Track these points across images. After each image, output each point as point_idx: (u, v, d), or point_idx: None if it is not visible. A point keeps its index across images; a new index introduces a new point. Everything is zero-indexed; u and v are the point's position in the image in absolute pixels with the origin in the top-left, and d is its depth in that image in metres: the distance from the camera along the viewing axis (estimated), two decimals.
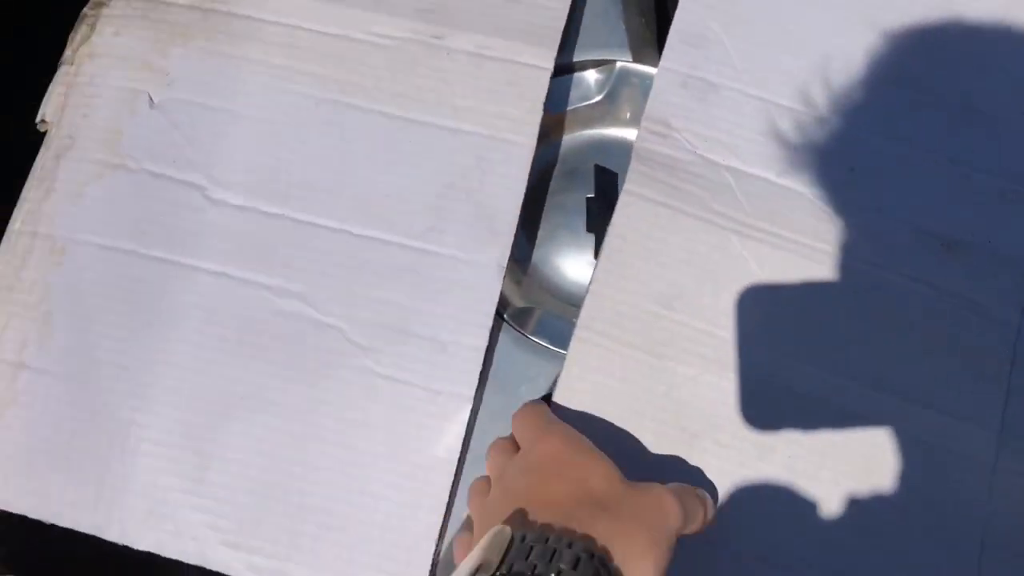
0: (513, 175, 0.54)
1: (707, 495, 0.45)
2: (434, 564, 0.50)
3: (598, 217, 0.59)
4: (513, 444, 0.47)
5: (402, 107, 0.56)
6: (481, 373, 0.52)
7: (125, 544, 0.50)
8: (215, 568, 0.50)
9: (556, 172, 0.60)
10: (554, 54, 0.56)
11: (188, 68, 0.57)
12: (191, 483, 0.51)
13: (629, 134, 0.60)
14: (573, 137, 0.60)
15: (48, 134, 0.56)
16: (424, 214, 0.54)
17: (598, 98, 0.60)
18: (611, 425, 0.50)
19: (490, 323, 0.52)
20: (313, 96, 0.56)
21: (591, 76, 0.60)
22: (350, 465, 0.51)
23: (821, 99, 0.54)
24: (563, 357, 0.54)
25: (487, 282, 0.53)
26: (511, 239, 0.53)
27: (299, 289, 0.53)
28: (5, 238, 0.55)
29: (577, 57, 0.60)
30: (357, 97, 0.56)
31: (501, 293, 0.53)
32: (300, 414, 0.51)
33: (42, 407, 0.52)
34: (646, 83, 0.59)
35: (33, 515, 0.51)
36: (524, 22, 0.57)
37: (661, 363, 0.50)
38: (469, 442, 0.52)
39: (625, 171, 0.59)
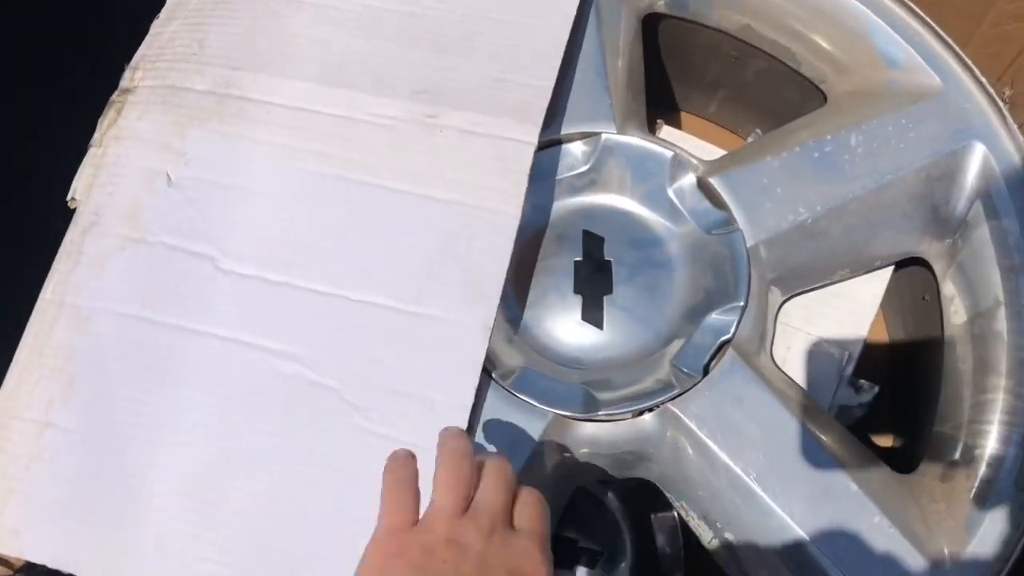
0: (499, 243, 0.58)
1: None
2: None
3: (585, 280, 0.62)
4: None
5: (398, 180, 0.60)
6: (468, 430, 0.55)
7: None
8: None
9: (546, 237, 0.63)
10: (538, 129, 0.60)
11: (203, 148, 0.62)
12: (198, 530, 0.54)
13: (615, 201, 0.64)
14: (562, 204, 0.64)
15: (77, 211, 0.62)
16: (416, 279, 0.58)
17: (584, 168, 0.63)
18: None
19: (476, 382, 0.55)
20: (317, 172, 0.61)
21: (578, 148, 0.64)
22: (342, 517, 0.54)
23: None
24: (548, 414, 0.56)
25: (474, 343, 0.56)
26: (496, 302, 0.57)
27: (299, 352, 0.57)
28: (37, 306, 0.60)
29: (565, 130, 0.64)
30: (358, 172, 0.60)
31: (491, 352, 0.57)
32: (297, 468, 0.55)
33: (64, 462, 0.57)
34: (630, 153, 0.63)
35: (53, 565, 0.55)
36: (511, 100, 0.61)
37: None
38: None
39: (611, 236, 0.63)
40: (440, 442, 0.47)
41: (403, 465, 0.47)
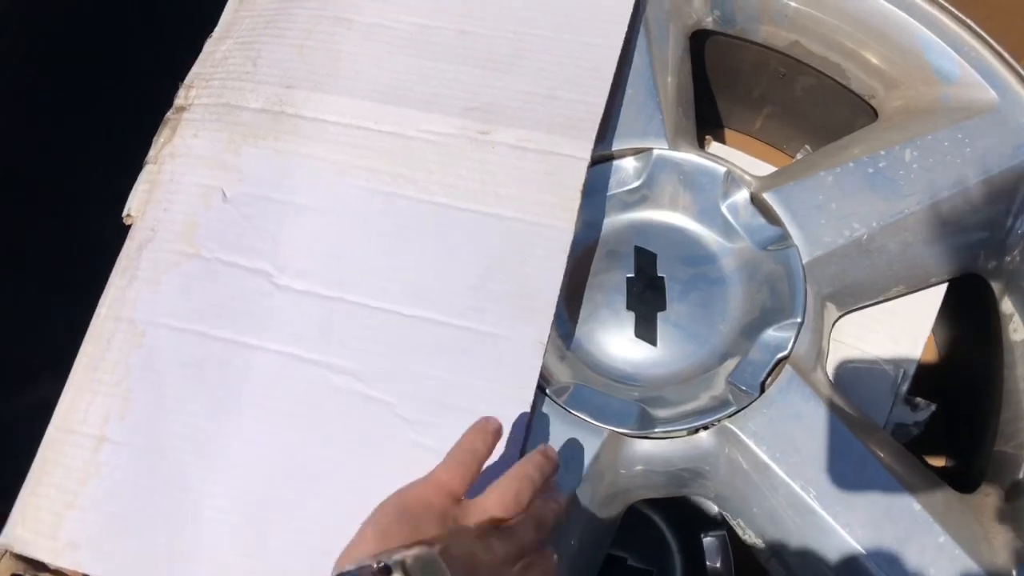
0: (553, 257, 0.58)
1: None
2: None
3: (638, 296, 0.61)
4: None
5: (449, 196, 0.60)
6: (522, 447, 0.54)
7: None
8: None
9: (597, 253, 0.63)
10: (591, 145, 0.60)
11: (258, 165, 0.62)
12: (252, 550, 0.54)
13: (667, 217, 0.63)
14: (613, 220, 0.64)
15: (133, 227, 0.62)
16: (468, 294, 0.58)
17: (636, 184, 0.63)
18: None
19: (531, 398, 0.55)
20: (369, 188, 0.61)
21: (629, 164, 0.63)
22: None
23: None
24: (603, 431, 0.56)
25: (527, 359, 0.56)
26: (550, 318, 0.56)
27: (352, 366, 0.57)
28: (92, 322, 0.61)
29: (616, 146, 0.63)
30: (409, 188, 0.61)
31: (545, 368, 0.56)
32: (350, 483, 0.55)
33: (121, 477, 0.57)
34: (682, 169, 0.63)
35: None
36: (563, 116, 0.61)
37: None
38: None
39: (664, 252, 0.62)
40: (537, 454, 0.49)
41: (483, 440, 0.49)
